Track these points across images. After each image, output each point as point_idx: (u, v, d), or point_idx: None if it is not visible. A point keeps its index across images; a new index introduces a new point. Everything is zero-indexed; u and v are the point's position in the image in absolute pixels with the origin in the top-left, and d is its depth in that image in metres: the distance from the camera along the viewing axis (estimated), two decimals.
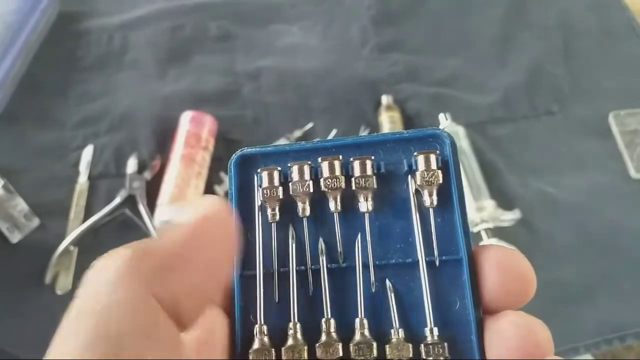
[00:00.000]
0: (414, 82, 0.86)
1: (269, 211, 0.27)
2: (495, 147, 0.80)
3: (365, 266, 0.26)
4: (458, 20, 0.94)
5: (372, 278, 0.26)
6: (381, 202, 0.27)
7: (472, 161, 0.76)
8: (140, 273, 0.19)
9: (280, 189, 0.27)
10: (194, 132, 0.75)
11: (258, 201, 0.27)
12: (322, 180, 0.27)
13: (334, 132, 0.79)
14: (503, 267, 0.24)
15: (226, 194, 0.74)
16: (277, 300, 0.26)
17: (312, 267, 0.26)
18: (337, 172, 0.26)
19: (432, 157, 0.26)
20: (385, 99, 0.82)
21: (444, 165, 0.26)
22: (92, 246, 0.70)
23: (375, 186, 0.26)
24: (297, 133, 0.79)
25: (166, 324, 0.19)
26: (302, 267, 0.26)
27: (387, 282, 0.26)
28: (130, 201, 0.72)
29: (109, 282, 0.19)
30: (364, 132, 0.79)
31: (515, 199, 0.75)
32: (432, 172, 0.26)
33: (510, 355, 0.22)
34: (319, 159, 0.27)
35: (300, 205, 0.27)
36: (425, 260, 0.25)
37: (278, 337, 0.25)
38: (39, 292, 0.67)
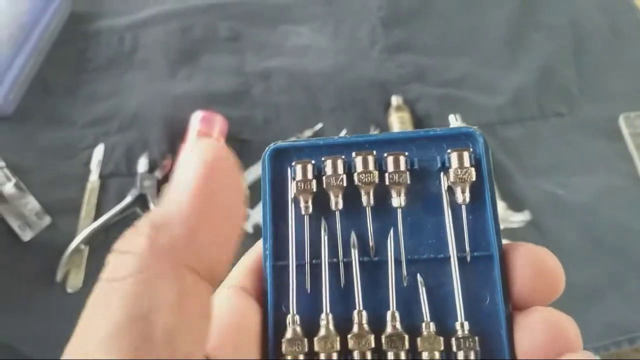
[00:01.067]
0: (424, 82, 0.86)
1: (302, 204, 0.27)
2: (505, 149, 0.80)
3: (397, 261, 0.26)
4: (467, 21, 0.94)
5: (404, 272, 0.26)
6: (413, 198, 0.27)
7: None
8: (162, 249, 0.19)
9: (314, 182, 0.27)
10: (204, 131, 0.75)
11: (291, 194, 0.27)
12: (355, 174, 0.27)
13: (344, 132, 0.79)
14: (533, 264, 0.24)
15: None
16: (308, 292, 0.26)
17: (344, 259, 0.26)
18: (371, 167, 0.27)
19: (466, 155, 0.26)
20: (395, 100, 0.82)
21: (476, 163, 0.26)
22: (102, 245, 0.71)
23: (408, 182, 0.27)
24: (307, 133, 0.79)
25: (197, 290, 0.19)
26: (334, 260, 0.26)
27: (419, 277, 0.26)
28: (141, 200, 0.72)
29: (134, 262, 0.18)
30: (373, 133, 0.80)
31: (524, 201, 0.75)
32: (465, 170, 0.26)
33: (540, 350, 0.22)
34: (353, 154, 0.27)
35: (333, 198, 0.27)
36: (457, 256, 0.26)
37: (309, 328, 0.25)
38: (50, 290, 0.68)
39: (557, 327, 0.22)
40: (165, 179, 0.74)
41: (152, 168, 0.75)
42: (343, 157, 0.27)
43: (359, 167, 0.27)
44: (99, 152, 0.77)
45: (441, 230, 0.26)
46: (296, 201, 0.27)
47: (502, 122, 0.83)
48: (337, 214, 0.27)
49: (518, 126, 0.83)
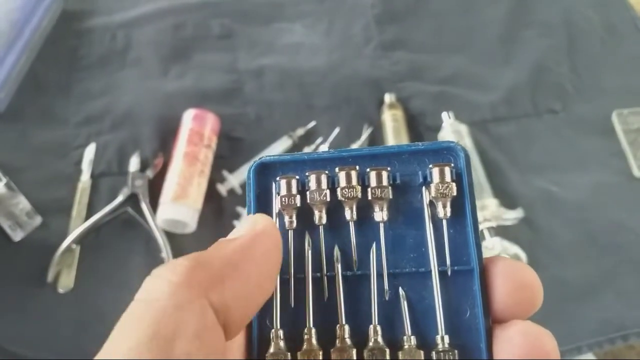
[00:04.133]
0: (417, 80, 0.86)
1: (286, 218, 0.28)
2: (498, 146, 0.80)
3: (379, 274, 0.27)
4: (461, 18, 0.93)
5: (386, 286, 0.26)
6: (396, 212, 0.27)
7: (474, 160, 0.76)
8: (196, 281, 0.21)
9: (298, 197, 0.27)
10: (196, 130, 0.75)
11: (276, 208, 0.28)
12: (338, 189, 0.27)
13: (336, 130, 0.79)
14: (513, 278, 0.25)
15: (228, 193, 0.74)
16: (292, 306, 0.26)
17: (328, 274, 0.27)
18: (354, 182, 0.27)
19: (447, 170, 0.27)
20: (388, 97, 0.82)
21: (457, 178, 0.27)
22: (94, 244, 0.70)
23: (390, 197, 0.27)
24: (300, 131, 0.79)
25: (215, 329, 0.21)
26: (318, 274, 0.27)
27: (400, 290, 0.26)
28: (133, 199, 0.72)
29: (167, 289, 0.21)
30: (366, 131, 0.79)
31: (518, 198, 0.75)
32: (446, 185, 0.26)
33: None
34: (336, 169, 0.28)
35: (317, 213, 0.28)
36: (438, 270, 0.26)
37: (293, 341, 0.26)
38: (41, 290, 0.67)
39: (535, 340, 0.23)
40: (156, 178, 0.73)
41: (143, 167, 0.74)
42: (327, 171, 0.28)
43: (342, 182, 0.27)
44: (90, 151, 0.76)
45: (423, 244, 0.27)
46: (280, 216, 0.28)
47: (495, 119, 0.83)
48: (321, 228, 0.27)
49: (512, 123, 0.83)
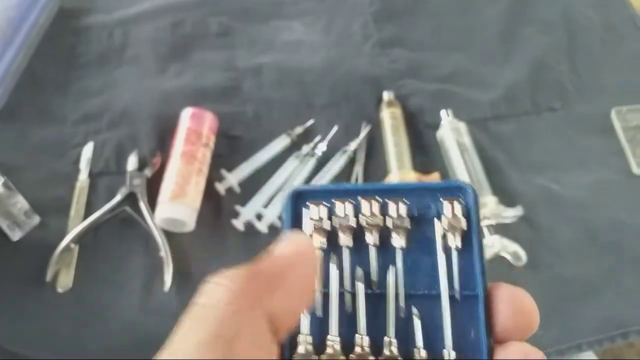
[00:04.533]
0: (416, 78, 0.86)
1: (316, 239, 0.31)
2: (497, 144, 0.80)
3: (396, 294, 0.30)
4: (460, 16, 0.93)
5: (402, 305, 0.30)
6: (412, 240, 0.31)
7: (473, 157, 0.75)
8: (252, 290, 0.23)
9: (328, 221, 0.31)
10: (194, 128, 0.74)
11: (307, 230, 0.31)
12: (362, 217, 0.31)
13: (335, 128, 0.79)
14: (513, 304, 0.28)
15: (227, 191, 0.74)
16: (320, 316, 0.30)
17: (351, 291, 0.30)
18: (376, 211, 0.31)
19: (457, 206, 0.30)
20: (386, 95, 0.82)
21: (466, 213, 0.30)
22: (92, 244, 0.70)
23: (408, 226, 0.31)
24: (299, 129, 0.79)
25: (267, 334, 0.23)
26: (342, 290, 0.30)
27: (414, 309, 0.29)
28: (131, 198, 0.72)
29: (226, 295, 0.23)
30: (365, 129, 0.79)
31: (517, 196, 0.74)
32: (456, 219, 0.30)
33: None
34: (361, 199, 0.31)
35: (342, 237, 0.31)
36: (448, 294, 0.29)
37: (319, 347, 0.29)
38: (40, 290, 0.67)
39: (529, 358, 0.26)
40: (154, 176, 0.73)
41: (141, 166, 0.74)
42: (352, 200, 0.32)
43: (366, 210, 0.31)
44: (88, 150, 0.76)
45: (435, 270, 0.30)
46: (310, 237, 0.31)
47: (495, 117, 0.83)
48: (346, 250, 0.31)
49: (511, 121, 0.83)
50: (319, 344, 0.29)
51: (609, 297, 0.70)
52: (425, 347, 0.28)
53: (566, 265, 0.71)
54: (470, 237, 0.30)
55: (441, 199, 0.31)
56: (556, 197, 0.76)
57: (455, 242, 0.30)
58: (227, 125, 0.79)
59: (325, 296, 0.30)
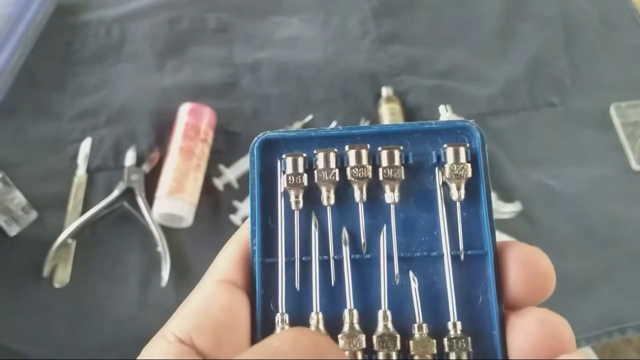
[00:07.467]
0: (414, 74, 0.86)
1: (292, 198, 0.26)
2: (496, 139, 0.80)
3: (389, 258, 0.26)
4: (458, 11, 0.93)
5: (397, 270, 0.25)
6: (407, 194, 0.26)
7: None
8: None
9: (305, 175, 0.26)
10: (192, 124, 0.74)
11: (281, 187, 0.26)
12: (348, 169, 0.26)
13: (333, 124, 0.79)
14: (527, 263, 0.24)
15: (225, 187, 0.74)
16: (298, 290, 0.25)
17: (335, 257, 0.26)
18: (364, 161, 0.26)
19: (462, 150, 0.26)
20: (385, 91, 0.82)
21: (473, 159, 0.26)
22: (90, 239, 0.70)
23: (402, 177, 0.26)
24: (297, 125, 0.79)
25: None
26: (325, 257, 0.26)
27: (411, 275, 0.25)
28: (129, 194, 0.72)
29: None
30: (364, 124, 0.79)
31: (515, 191, 0.74)
32: (461, 166, 0.25)
33: (534, 352, 0.22)
34: (346, 147, 0.26)
35: (324, 193, 0.26)
36: (450, 254, 0.25)
37: (299, 326, 0.25)
38: (37, 285, 0.67)
39: (552, 329, 0.22)
40: (152, 172, 0.73)
41: (139, 161, 0.74)
42: (335, 150, 0.26)
43: (352, 161, 0.26)
44: (86, 145, 0.76)
45: (435, 228, 0.26)
46: (286, 195, 0.26)
47: (493, 112, 0.83)
48: (329, 209, 0.26)
49: (509, 117, 0.83)
50: (299, 323, 0.25)
51: (607, 293, 0.70)
52: (425, 319, 0.25)
53: (564, 260, 0.71)
54: (478, 187, 0.26)
55: (442, 144, 0.26)
56: (554, 192, 0.75)
57: (459, 193, 0.26)
58: (225, 121, 0.79)
59: (305, 265, 0.26)
